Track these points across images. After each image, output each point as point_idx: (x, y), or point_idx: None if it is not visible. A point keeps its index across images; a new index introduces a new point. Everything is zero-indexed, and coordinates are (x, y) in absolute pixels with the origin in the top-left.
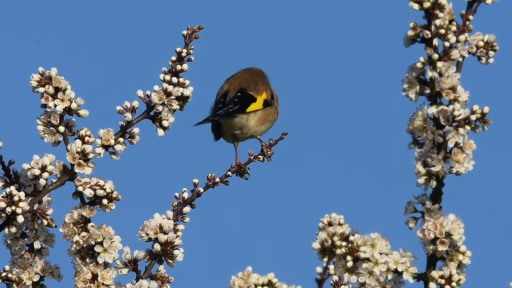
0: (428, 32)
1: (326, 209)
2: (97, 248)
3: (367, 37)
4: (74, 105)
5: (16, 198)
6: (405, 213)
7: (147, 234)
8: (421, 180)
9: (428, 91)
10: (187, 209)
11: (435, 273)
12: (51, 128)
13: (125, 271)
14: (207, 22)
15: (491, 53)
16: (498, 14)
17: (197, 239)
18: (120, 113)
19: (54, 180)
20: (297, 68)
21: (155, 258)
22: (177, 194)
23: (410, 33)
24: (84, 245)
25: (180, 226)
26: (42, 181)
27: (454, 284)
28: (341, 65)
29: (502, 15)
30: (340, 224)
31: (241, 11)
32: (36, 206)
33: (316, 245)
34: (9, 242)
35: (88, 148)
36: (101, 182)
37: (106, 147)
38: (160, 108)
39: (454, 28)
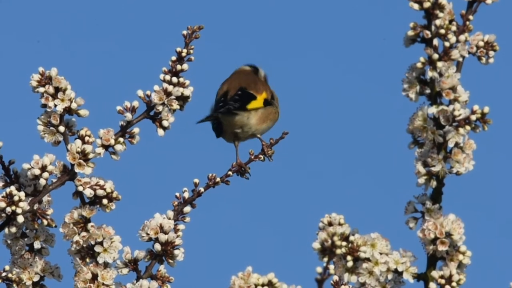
0: (428, 32)
1: (326, 209)
2: (97, 248)
3: (367, 37)
4: (74, 105)
5: (16, 198)
6: (405, 213)
7: (148, 234)
8: (421, 180)
9: (428, 91)
10: (187, 209)
11: (435, 273)
12: (51, 128)
13: (125, 271)
14: (207, 22)
15: (491, 53)
16: (498, 14)
17: (197, 239)
18: (120, 113)
19: (54, 180)
20: (297, 68)
21: (155, 258)
22: (177, 194)
23: (410, 33)
24: (84, 245)
25: (181, 226)
26: (42, 181)
27: (454, 284)
28: (341, 65)
29: (502, 15)
30: (340, 224)
31: (241, 11)
32: (36, 206)
33: (316, 245)
34: (9, 242)
35: (88, 148)
36: (101, 182)
37: (106, 147)
38: (160, 108)
39: (454, 28)
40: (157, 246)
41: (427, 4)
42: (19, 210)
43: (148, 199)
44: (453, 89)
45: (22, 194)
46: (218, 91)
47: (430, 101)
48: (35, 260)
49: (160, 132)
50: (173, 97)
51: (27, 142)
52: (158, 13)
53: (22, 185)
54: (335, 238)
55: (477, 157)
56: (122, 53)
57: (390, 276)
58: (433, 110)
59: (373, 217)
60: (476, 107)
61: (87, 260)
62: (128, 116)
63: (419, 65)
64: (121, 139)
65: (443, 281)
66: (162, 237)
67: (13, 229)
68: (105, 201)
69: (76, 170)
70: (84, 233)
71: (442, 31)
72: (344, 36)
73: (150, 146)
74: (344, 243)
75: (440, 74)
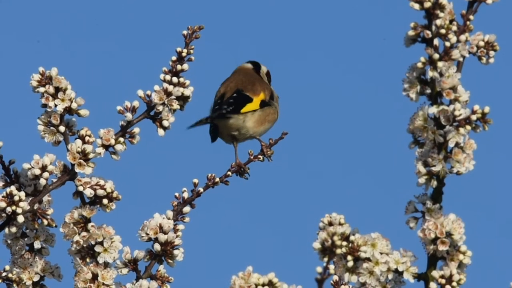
0: (428, 32)
1: (326, 209)
2: (97, 248)
3: (367, 37)
4: (74, 105)
5: (16, 198)
6: (406, 213)
7: (147, 234)
8: (422, 180)
9: (428, 91)
10: (187, 209)
11: (435, 273)
12: (51, 128)
13: (125, 271)
14: (207, 22)
15: (492, 53)
16: (499, 14)
17: (197, 239)
18: (120, 113)
19: (55, 180)
20: (297, 68)
21: (155, 258)
22: (177, 194)
23: (411, 33)
24: (84, 245)
25: (180, 226)
26: (42, 181)
27: (454, 284)
28: (341, 65)
29: (502, 15)
30: (340, 224)
31: (241, 11)
32: (36, 206)
33: (317, 244)
34: (9, 242)
35: (89, 148)
36: (102, 182)
37: (106, 147)
38: (160, 108)
39: (454, 28)
40: (157, 246)
41: (427, 4)
42: (19, 210)
43: (148, 199)
44: (454, 89)
45: (22, 194)
46: (216, 92)
47: (431, 101)
48: (35, 260)
49: (160, 132)
50: (173, 97)
51: (27, 142)
52: (158, 13)
53: (22, 185)
54: (336, 238)
55: (478, 157)
56: (122, 53)
57: (390, 276)
58: (433, 110)
59: (374, 217)
60: (476, 107)
61: (87, 260)
62: (129, 116)
63: (419, 65)
64: (121, 139)
65: (443, 281)
66: (162, 237)
67: (13, 229)
68: (105, 201)
69: (77, 170)
70: (84, 233)
71: (443, 31)
72: (344, 36)
73: (150, 146)
74: (344, 243)
75: (441, 74)
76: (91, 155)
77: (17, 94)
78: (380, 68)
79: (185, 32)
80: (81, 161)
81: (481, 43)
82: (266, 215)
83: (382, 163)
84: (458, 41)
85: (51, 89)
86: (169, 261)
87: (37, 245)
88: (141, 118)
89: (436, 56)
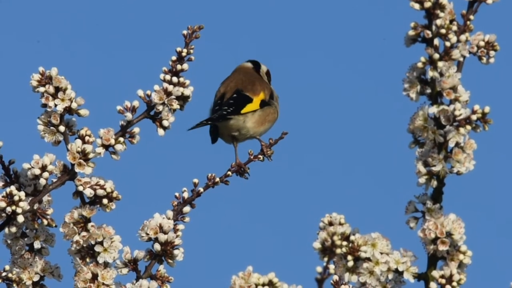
0: (429, 32)
1: (326, 209)
2: (97, 248)
3: (367, 37)
4: (74, 105)
5: (16, 198)
6: (406, 213)
7: (147, 234)
8: (422, 180)
9: (429, 90)
10: (187, 209)
11: (435, 273)
12: (51, 127)
13: (125, 271)
14: (207, 22)
15: (492, 53)
16: (499, 14)
17: (197, 239)
18: (120, 113)
19: (54, 180)
20: (297, 68)
21: (155, 258)
22: (177, 194)
23: (411, 33)
24: (84, 245)
25: (180, 226)
26: (42, 181)
27: (454, 283)
28: (341, 65)
29: (502, 15)
30: (340, 224)
31: (241, 11)
32: (36, 206)
33: (317, 244)
34: (9, 242)
35: (89, 147)
36: (101, 182)
37: (106, 147)
38: (160, 107)
39: (455, 28)
40: (157, 246)
41: (428, 4)
42: (19, 210)
43: (148, 199)
44: (454, 89)
45: (22, 194)
46: (216, 92)
47: (431, 101)
48: (35, 260)
49: (160, 132)
50: (173, 96)
51: (27, 142)
52: (158, 13)
53: (22, 185)
54: (336, 238)
55: (478, 157)
56: (122, 53)
57: (390, 276)
58: (433, 109)
59: (374, 217)
60: (476, 107)
61: (87, 260)
62: (128, 115)
63: (419, 64)
64: (121, 139)
65: (443, 281)
66: (162, 237)
67: (13, 229)
68: (105, 201)
69: (76, 169)
70: (84, 233)
71: (443, 31)
72: (344, 36)
73: (150, 146)
74: (344, 243)
75: (441, 74)
76: (91, 155)
77: (17, 94)
78: (380, 68)
79: (185, 32)
80: (81, 161)
81: (482, 43)
82: (266, 215)
83: (382, 163)
84: (458, 41)
85: (51, 89)
86: (169, 261)
87: (37, 245)
88: (141, 118)
89: (436, 56)
